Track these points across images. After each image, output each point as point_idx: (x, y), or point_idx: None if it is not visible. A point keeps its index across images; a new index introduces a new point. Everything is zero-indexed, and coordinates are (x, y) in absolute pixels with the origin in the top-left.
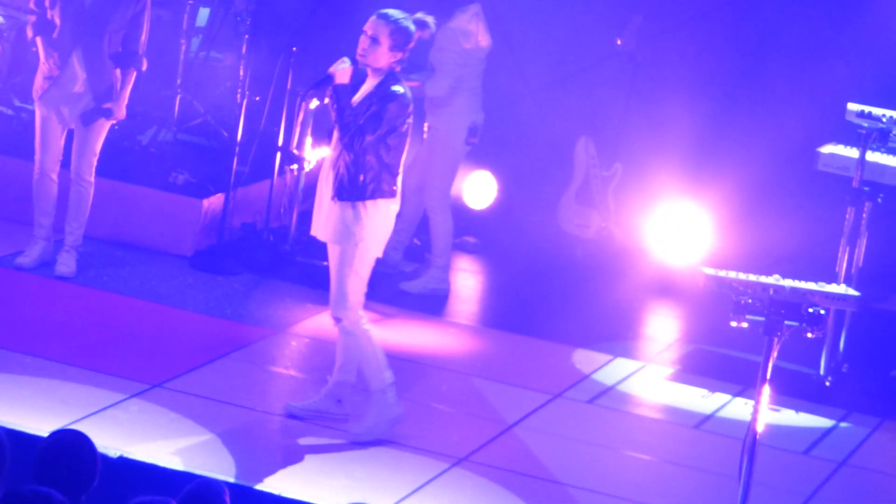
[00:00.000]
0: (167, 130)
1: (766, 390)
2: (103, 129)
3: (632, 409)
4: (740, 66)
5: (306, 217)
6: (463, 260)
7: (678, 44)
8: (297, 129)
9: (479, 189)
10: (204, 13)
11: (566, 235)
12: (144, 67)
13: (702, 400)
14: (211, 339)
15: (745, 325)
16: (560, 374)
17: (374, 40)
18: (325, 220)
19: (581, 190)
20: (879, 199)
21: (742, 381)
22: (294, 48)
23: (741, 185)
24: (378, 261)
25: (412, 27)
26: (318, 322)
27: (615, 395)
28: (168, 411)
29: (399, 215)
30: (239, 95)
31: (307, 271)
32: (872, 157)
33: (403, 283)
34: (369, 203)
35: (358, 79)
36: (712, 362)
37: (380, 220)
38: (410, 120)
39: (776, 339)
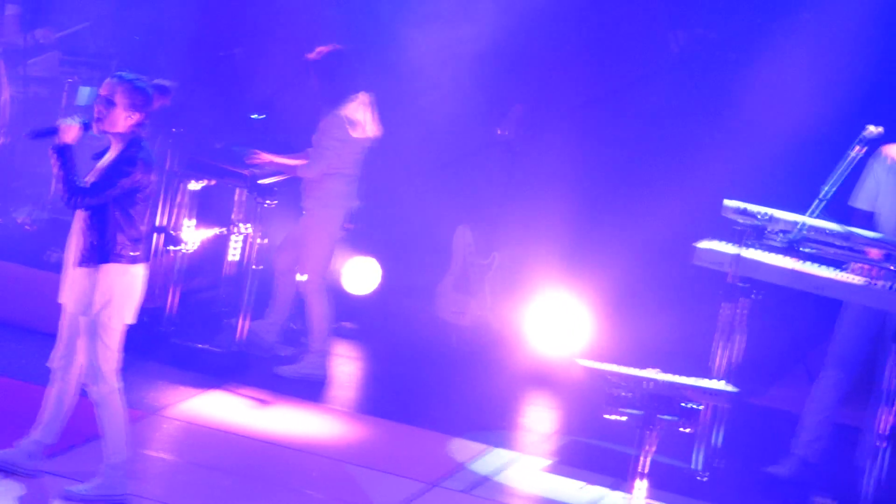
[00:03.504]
0: (42, 208)
1: (642, 484)
2: None
3: (507, 500)
4: (619, 159)
5: (183, 298)
6: (341, 345)
7: (558, 134)
8: (177, 211)
9: (358, 275)
10: (84, 91)
11: (443, 323)
12: (5, 140)
13: (578, 492)
14: (82, 421)
15: (620, 418)
16: (436, 462)
17: (109, 101)
18: (69, 287)
19: (459, 278)
20: (754, 296)
21: (618, 474)
22: (174, 129)
23: (618, 277)
24: (254, 343)
25: (150, 90)
26: (193, 405)
27: (491, 485)
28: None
29: (271, 296)
30: None
31: (182, 353)
32: (748, 253)
33: (278, 368)
34: (107, 268)
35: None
36: (589, 454)
37: (122, 286)
38: (155, 178)
39: (651, 433)
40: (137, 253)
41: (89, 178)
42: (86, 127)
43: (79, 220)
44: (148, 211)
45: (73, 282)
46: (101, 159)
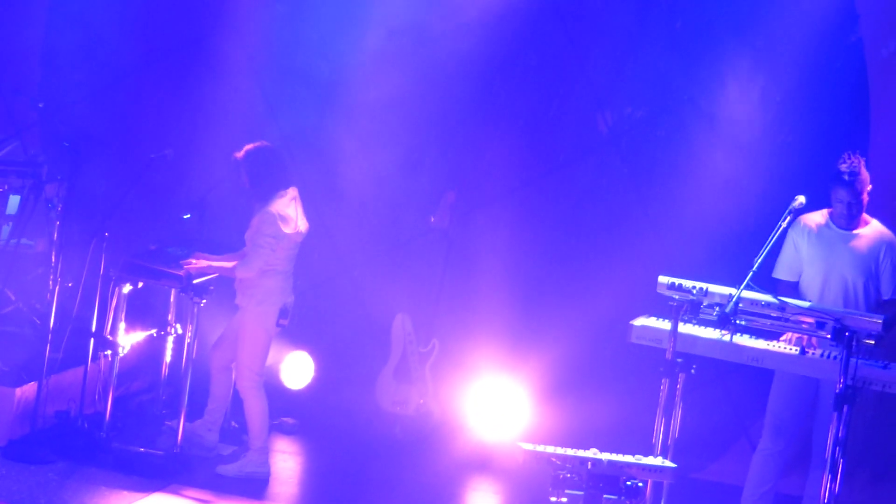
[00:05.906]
0: None
1: None
2: None
3: None
4: (552, 240)
5: (121, 403)
6: (281, 441)
7: (491, 219)
8: (111, 315)
9: (296, 369)
10: (14, 200)
11: (385, 413)
12: None
13: None
14: None
15: (564, 499)
16: None
17: None
18: None
19: (399, 367)
20: (693, 370)
21: None
22: (106, 233)
23: (556, 359)
24: (194, 443)
25: None
26: None
27: None
28: None
29: (209, 395)
30: (51, 281)
31: (123, 458)
32: (684, 328)
33: (220, 467)
34: None
35: None
36: None
37: None
38: None
39: None
40: None
41: None
42: None
43: None
44: None
45: None
46: None
